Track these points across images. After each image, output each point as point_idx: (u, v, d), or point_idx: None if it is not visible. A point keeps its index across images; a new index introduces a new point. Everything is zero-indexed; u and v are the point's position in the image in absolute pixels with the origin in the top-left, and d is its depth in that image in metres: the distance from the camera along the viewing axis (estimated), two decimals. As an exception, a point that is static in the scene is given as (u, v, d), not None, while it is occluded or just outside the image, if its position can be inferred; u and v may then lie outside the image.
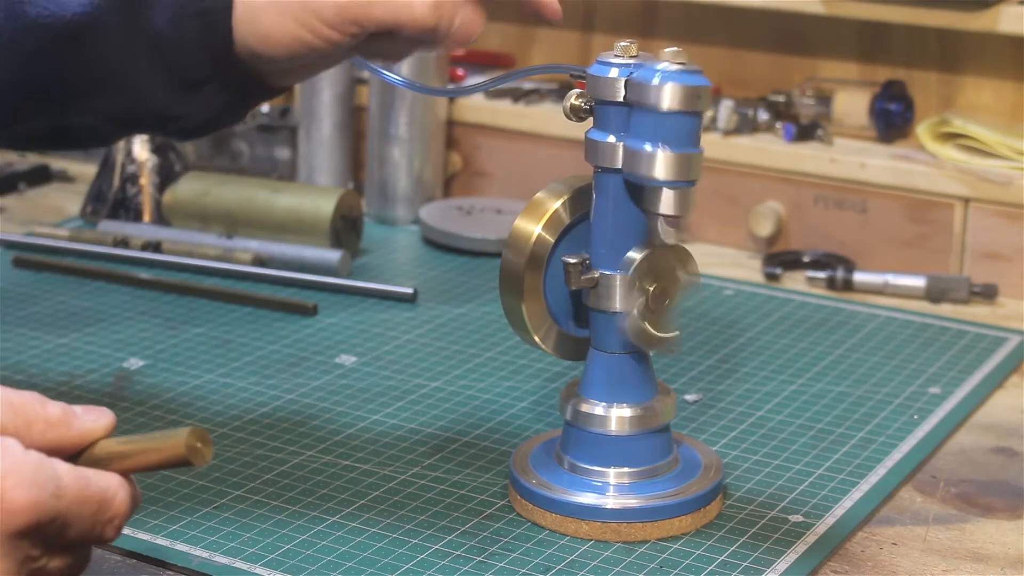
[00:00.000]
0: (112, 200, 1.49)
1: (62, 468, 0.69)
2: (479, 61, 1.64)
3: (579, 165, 0.98)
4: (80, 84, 0.90)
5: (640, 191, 0.93)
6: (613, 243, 0.95)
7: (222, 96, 0.91)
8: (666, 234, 0.92)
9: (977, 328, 1.29)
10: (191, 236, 1.42)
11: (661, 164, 0.90)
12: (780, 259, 1.42)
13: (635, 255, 0.94)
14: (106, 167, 1.50)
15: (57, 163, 1.66)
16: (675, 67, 0.90)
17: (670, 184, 0.91)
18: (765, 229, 1.44)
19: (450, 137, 1.58)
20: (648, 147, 0.90)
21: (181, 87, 0.90)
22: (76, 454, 0.72)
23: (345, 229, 1.42)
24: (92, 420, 0.73)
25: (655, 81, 0.90)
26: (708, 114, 1.48)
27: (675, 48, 0.91)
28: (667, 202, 0.91)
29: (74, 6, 0.88)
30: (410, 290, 1.34)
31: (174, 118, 0.91)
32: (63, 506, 0.69)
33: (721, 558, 0.94)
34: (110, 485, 0.71)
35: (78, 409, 0.73)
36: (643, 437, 0.98)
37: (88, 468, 0.71)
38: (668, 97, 0.90)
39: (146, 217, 1.48)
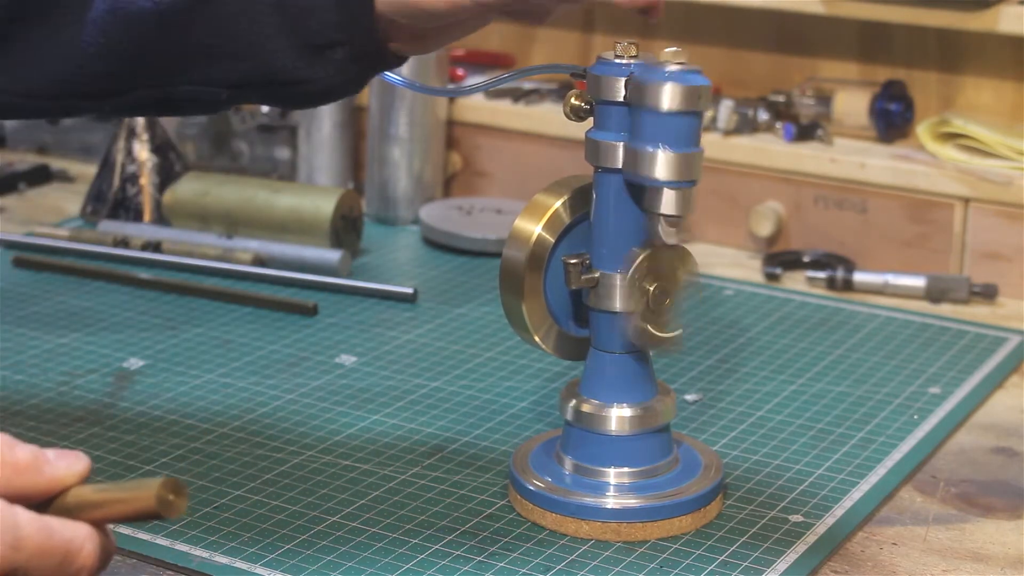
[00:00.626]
0: (112, 200, 1.49)
1: (24, 517, 0.65)
2: (479, 61, 1.64)
3: (579, 165, 0.98)
4: (199, 51, 0.88)
5: (641, 191, 0.93)
6: (613, 243, 0.95)
7: (348, 64, 0.89)
8: (667, 234, 0.92)
9: (977, 328, 1.29)
10: (191, 236, 1.42)
11: (662, 164, 0.90)
12: (780, 259, 1.42)
13: (636, 254, 0.95)
14: (106, 167, 1.50)
15: (57, 163, 1.66)
16: (675, 67, 0.91)
17: (671, 184, 0.91)
18: (765, 229, 1.44)
19: (450, 137, 1.58)
20: (649, 148, 0.90)
21: (307, 51, 0.88)
22: (47, 501, 0.68)
23: (345, 229, 1.42)
24: (65, 466, 0.68)
25: (655, 81, 0.90)
26: (708, 114, 1.47)
27: (675, 48, 0.91)
28: (668, 202, 0.91)
29: None
30: (410, 290, 1.33)
31: (297, 82, 0.89)
32: (23, 558, 0.65)
33: (721, 558, 0.94)
34: (76, 536, 0.66)
35: (51, 453, 0.68)
36: (643, 437, 0.98)
37: (54, 518, 0.67)
38: (668, 97, 0.90)
39: (146, 217, 1.48)
